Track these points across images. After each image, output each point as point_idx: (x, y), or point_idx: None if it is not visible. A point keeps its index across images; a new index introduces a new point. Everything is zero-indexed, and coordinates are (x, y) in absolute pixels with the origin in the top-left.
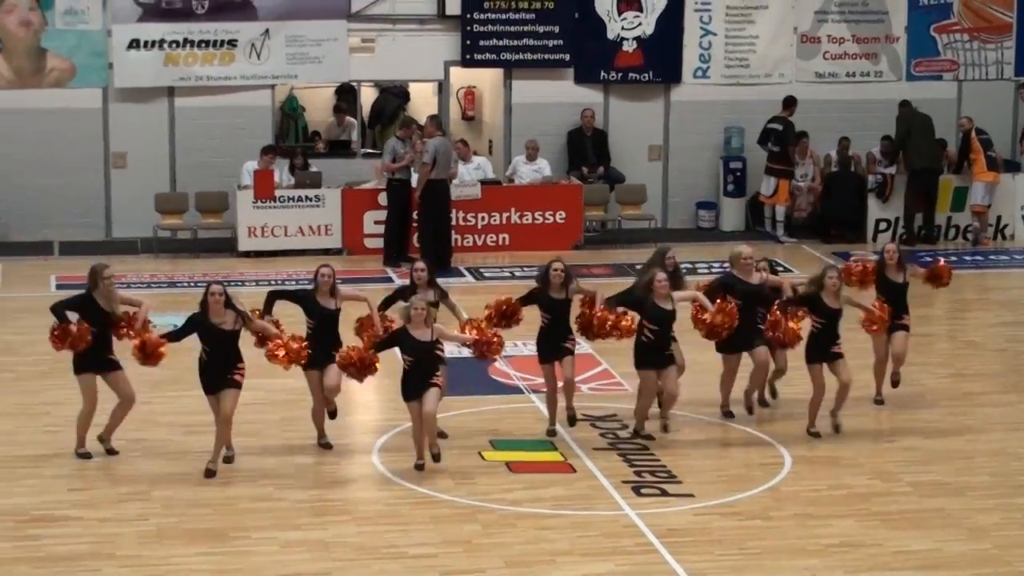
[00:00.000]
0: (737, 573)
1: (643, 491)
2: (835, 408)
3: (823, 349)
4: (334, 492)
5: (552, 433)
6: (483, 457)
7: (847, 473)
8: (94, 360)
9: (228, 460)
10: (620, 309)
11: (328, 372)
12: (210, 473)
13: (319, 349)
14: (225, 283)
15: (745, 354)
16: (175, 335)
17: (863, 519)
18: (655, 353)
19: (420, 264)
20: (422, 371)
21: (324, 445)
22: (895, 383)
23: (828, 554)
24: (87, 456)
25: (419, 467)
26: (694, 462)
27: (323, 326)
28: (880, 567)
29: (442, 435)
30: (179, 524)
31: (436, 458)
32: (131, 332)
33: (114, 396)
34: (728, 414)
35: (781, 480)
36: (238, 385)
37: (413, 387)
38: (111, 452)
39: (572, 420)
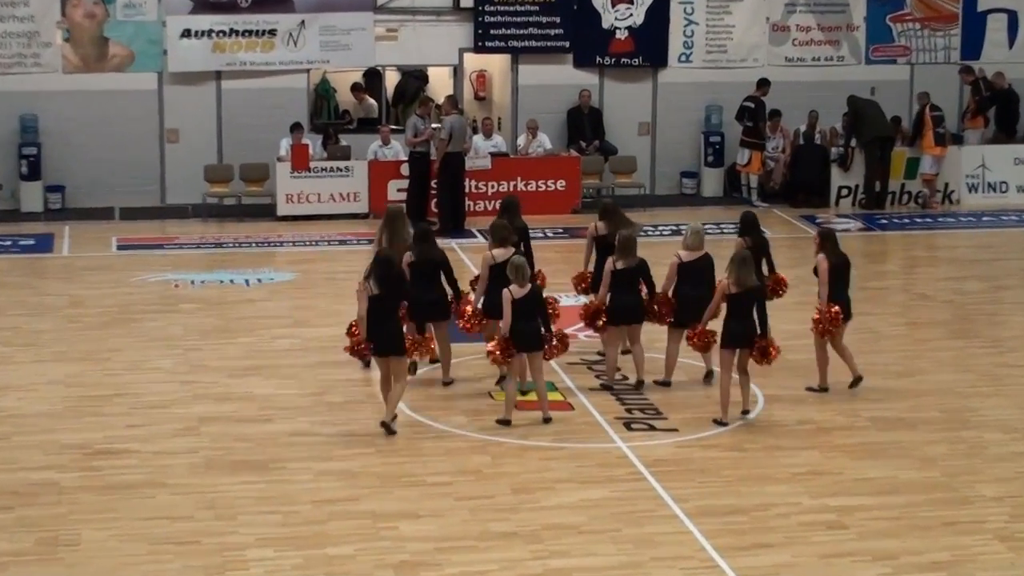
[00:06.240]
0: (714, 498)
1: (633, 426)
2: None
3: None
4: (361, 427)
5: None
6: (492, 397)
7: (812, 410)
8: None
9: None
10: None
11: None
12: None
13: None
14: (266, 244)
15: None
16: None
17: (826, 451)
18: None
19: None
20: None
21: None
22: None
23: (795, 481)
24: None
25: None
26: (678, 400)
27: None
28: (841, 492)
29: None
30: (225, 456)
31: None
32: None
33: None
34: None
35: (755, 416)
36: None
37: None
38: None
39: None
